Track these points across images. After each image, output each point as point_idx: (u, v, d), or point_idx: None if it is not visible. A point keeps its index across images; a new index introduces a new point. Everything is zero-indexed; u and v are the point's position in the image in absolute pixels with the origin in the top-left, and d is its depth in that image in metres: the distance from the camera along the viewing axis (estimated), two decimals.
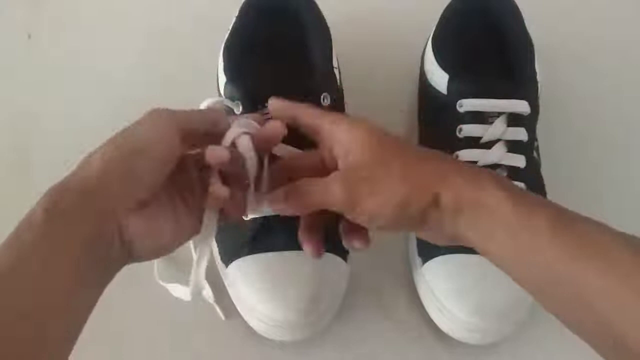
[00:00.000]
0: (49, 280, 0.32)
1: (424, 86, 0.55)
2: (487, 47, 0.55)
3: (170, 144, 0.37)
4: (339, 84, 0.54)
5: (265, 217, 0.48)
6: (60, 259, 0.33)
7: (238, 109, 0.49)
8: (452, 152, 0.49)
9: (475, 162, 0.49)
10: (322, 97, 0.50)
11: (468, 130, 0.50)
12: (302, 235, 0.42)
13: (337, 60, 0.55)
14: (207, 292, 0.50)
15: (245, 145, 0.40)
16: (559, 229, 0.34)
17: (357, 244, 0.42)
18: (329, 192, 0.38)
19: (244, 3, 0.55)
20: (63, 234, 0.34)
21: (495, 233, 0.36)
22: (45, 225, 0.33)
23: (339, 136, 0.39)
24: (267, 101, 0.48)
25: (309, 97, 0.49)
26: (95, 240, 0.35)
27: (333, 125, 0.40)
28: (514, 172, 0.49)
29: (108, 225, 0.36)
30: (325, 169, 0.40)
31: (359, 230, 0.41)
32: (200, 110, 0.43)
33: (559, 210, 0.35)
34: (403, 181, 0.37)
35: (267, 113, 0.46)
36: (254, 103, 0.48)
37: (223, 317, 0.50)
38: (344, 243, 0.43)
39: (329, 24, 0.54)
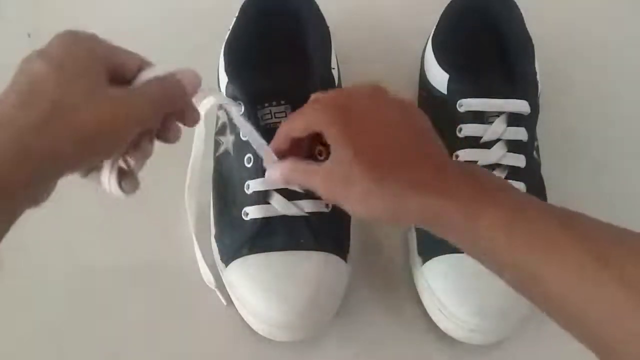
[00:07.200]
0: None
1: (424, 86, 0.55)
2: (487, 46, 0.56)
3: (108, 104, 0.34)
4: (337, 84, 0.54)
5: (265, 217, 0.48)
6: None
7: (240, 109, 0.49)
8: (452, 151, 0.49)
9: (475, 162, 0.49)
10: None
11: (468, 130, 0.50)
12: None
13: (337, 60, 0.55)
14: (209, 278, 0.50)
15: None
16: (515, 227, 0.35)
17: None
18: (315, 184, 0.41)
19: (244, 3, 0.55)
20: None
21: (459, 244, 0.38)
22: None
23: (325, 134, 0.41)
24: (267, 101, 0.48)
25: (308, 98, 0.49)
26: None
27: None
28: (514, 172, 0.49)
29: None
30: None
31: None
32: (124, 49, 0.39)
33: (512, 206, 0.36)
34: (367, 196, 0.38)
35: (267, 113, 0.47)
36: (255, 103, 0.48)
37: (224, 302, 0.50)
38: None
39: (329, 24, 0.54)
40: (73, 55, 0.35)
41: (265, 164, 0.46)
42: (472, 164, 0.47)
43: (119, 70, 0.37)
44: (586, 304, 0.32)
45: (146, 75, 0.38)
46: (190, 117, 0.40)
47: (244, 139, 0.49)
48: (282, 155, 0.44)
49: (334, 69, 0.54)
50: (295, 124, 0.43)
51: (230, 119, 0.50)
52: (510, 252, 0.35)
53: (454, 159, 0.49)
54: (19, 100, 0.33)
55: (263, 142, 0.45)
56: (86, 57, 0.35)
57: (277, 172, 0.44)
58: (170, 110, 0.39)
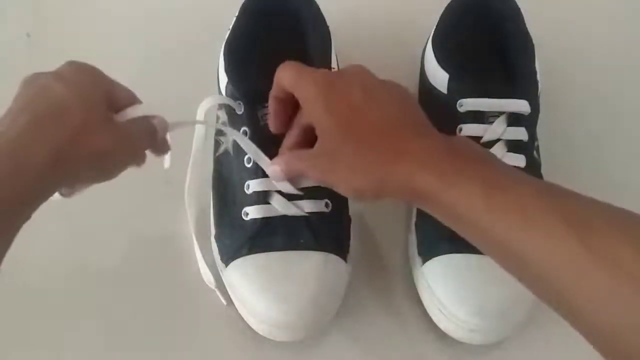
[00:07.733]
0: None
1: (424, 86, 0.55)
2: (487, 46, 0.56)
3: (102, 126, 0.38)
4: None
5: (265, 217, 0.48)
6: None
7: (240, 109, 0.49)
8: None
9: None
10: None
11: (468, 130, 0.50)
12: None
13: (337, 60, 0.55)
14: (209, 278, 0.50)
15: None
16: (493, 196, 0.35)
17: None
18: (307, 168, 0.42)
19: (244, 3, 0.55)
20: None
21: (441, 218, 0.38)
22: None
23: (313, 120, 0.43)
24: (267, 101, 0.48)
25: None
26: None
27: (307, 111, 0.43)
28: None
29: None
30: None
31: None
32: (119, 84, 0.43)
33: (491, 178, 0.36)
34: (352, 173, 0.39)
35: (267, 113, 0.47)
36: (255, 103, 0.48)
37: (224, 302, 0.50)
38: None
39: (329, 24, 0.54)
40: (84, 83, 0.38)
41: (260, 163, 0.47)
42: (458, 136, 0.48)
43: (112, 103, 0.41)
44: (557, 270, 0.32)
45: (132, 112, 0.42)
46: (160, 150, 0.46)
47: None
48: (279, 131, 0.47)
49: (334, 68, 0.54)
50: (285, 71, 0.44)
51: (227, 122, 0.50)
52: (488, 222, 0.34)
53: None
54: (44, 122, 0.36)
55: (255, 147, 0.47)
56: (97, 89, 0.39)
57: (276, 167, 0.45)
58: (148, 148, 0.44)
